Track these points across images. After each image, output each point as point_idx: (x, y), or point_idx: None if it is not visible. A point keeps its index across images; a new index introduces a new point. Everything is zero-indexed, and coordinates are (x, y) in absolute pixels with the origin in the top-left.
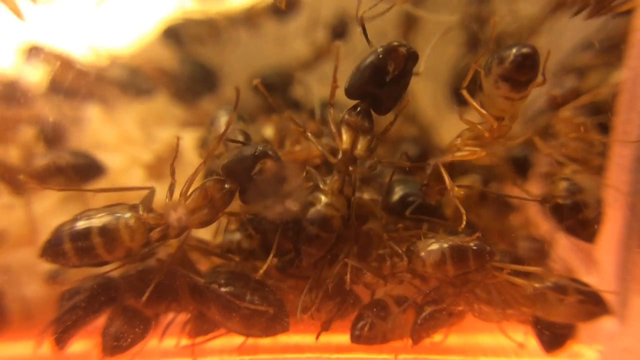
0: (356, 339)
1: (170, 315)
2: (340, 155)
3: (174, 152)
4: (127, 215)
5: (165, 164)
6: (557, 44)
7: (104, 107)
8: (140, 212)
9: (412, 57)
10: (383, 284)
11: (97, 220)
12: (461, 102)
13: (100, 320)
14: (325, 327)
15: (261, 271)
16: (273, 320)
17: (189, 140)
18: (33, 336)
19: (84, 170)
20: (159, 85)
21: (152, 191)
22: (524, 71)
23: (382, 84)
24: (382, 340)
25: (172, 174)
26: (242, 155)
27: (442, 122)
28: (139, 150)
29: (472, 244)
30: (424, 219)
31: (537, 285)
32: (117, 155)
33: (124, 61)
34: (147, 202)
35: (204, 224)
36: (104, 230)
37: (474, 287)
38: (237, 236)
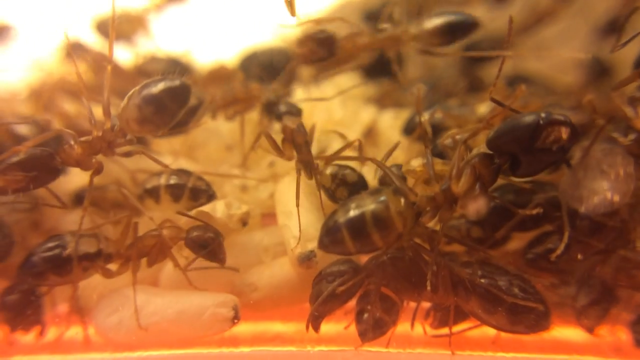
0: None
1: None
2: None
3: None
4: (398, 202)
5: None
6: None
7: (304, 88)
8: (408, 198)
9: None
10: None
11: (369, 209)
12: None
13: None
14: (590, 330)
15: (554, 255)
16: (540, 317)
17: (386, 120)
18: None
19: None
20: (355, 63)
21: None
22: None
23: None
24: None
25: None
26: (517, 125)
27: None
28: (347, 132)
29: None
30: None
31: None
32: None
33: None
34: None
35: (475, 203)
36: (377, 219)
37: None
38: (461, 222)
